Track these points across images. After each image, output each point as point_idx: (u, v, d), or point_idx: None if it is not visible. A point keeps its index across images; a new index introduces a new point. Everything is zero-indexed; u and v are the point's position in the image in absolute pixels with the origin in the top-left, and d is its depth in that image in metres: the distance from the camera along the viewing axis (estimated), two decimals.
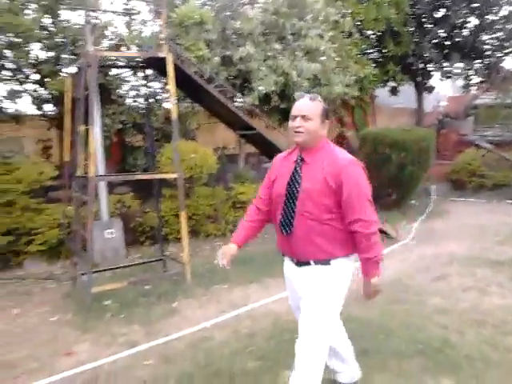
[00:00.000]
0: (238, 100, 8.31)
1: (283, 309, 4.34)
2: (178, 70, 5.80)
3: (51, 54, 7.40)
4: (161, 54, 5.48)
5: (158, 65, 5.92)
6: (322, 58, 9.13)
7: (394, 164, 9.49)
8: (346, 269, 2.48)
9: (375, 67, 11.95)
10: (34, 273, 6.41)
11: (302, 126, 2.38)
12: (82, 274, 5.32)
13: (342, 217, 2.38)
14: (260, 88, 8.06)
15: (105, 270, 5.92)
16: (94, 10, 6.40)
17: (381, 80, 13.00)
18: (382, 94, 14.82)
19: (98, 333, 4.29)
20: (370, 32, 12.96)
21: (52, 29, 7.52)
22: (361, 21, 11.83)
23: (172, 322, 4.48)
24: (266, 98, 8.42)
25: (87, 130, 5.25)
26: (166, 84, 8.38)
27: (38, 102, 7.65)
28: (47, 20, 7.50)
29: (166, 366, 3.58)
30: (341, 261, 2.43)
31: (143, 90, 7.30)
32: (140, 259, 6.79)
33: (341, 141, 12.54)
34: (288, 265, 2.60)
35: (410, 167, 9.54)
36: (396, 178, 9.54)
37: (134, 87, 8.34)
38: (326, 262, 2.41)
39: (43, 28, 7.35)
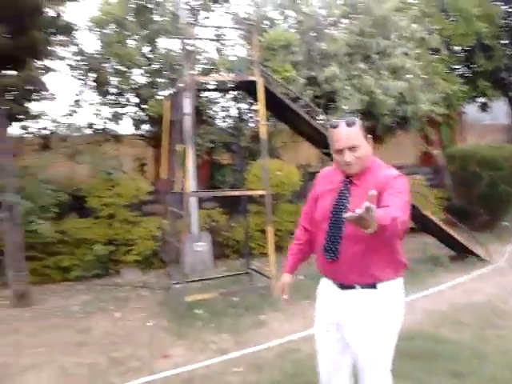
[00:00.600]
0: (321, 119, 8.45)
1: None
2: (267, 92, 6.07)
3: (149, 79, 8.05)
4: (252, 78, 5.79)
5: (248, 87, 6.24)
6: (408, 76, 9.06)
7: (484, 183, 9.09)
8: (394, 291, 2.28)
9: (464, 83, 11.56)
10: (130, 281, 6.93)
11: (351, 158, 2.17)
12: (176, 284, 5.68)
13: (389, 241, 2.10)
14: (344, 107, 8.15)
15: (196, 281, 6.26)
16: (189, 38, 6.90)
17: (470, 96, 12.52)
18: (470, 110, 14.24)
19: (191, 339, 4.57)
20: (458, 47, 12.57)
21: (150, 56, 8.20)
22: (449, 36, 11.54)
23: (260, 333, 4.67)
24: None
25: (183, 149, 5.66)
26: (252, 104, 8.76)
27: (137, 123, 8.34)
28: (146, 48, 8.20)
29: (255, 373, 3.75)
30: (388, 284, 2.24)
31: (232, 111, 7.67)
32: (226, 272, 7.08)
33: (427, 159, 12.20)
34: (328, 287, 2.38)
35: (503, 186, 9.08)
36: (487, 197, 9.12)
37: (223, 108, 8.81)
38: (373, 286, 2.22)
39: (143, 55, 8.04)
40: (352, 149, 2.15)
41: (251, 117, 9.05)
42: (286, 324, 4.86)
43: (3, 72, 5.97)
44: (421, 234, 8.13)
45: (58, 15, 6.05)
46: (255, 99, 6.18)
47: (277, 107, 6.80)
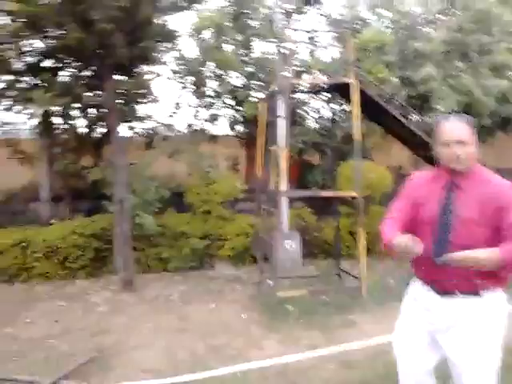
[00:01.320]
0: (416, 119, 8.26)
1: None
2: (360, 93, 6.08)
3: (245, 81, 8.38)
4: (347, 80, 5.85)
5: (341, 88, 6.30)
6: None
7: None
8: (498, 301, 2.17)
9: None
10: (224, 274, 7.28)
11: (462, 151, 2.09)
12: (268, 279, 5.91)
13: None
14: (440, 108, 7.90)
15: (287, 278, 6.45)
16: (283, 42, 7.09)
17: None
18: None
19: (282, 333, 4.77)
20: None
21: (246, 59, 8.53)
22: None
23: (350, 332, 4.75)
24: None
25: (277, 150, 5.87)
26: (343, 104, 8.78)
27: (232, 124, 8.72)
28: (242, 51, 8.54)
29: (346, 371, 3.85)
30: (492, 293, 2.15)
31: (324, 112, 7.76)
32: (315, 271, 7.20)
33: None
34: (422, 293, 2.31)
35: None
36: None
37: (314, 109, 8.93)
38: (475, 294, 2.13)
39: (239, 59, 8.38)
40: (461, 143, 2.09)
41: (342, 117, 9.07)
42: (376, 325, 4.87)
43: (116, 78, 6.58)
44: None
45: (164, 24, 6.52)
46: (348, 100, 6.23)
47: (370, 108, 6.79)
